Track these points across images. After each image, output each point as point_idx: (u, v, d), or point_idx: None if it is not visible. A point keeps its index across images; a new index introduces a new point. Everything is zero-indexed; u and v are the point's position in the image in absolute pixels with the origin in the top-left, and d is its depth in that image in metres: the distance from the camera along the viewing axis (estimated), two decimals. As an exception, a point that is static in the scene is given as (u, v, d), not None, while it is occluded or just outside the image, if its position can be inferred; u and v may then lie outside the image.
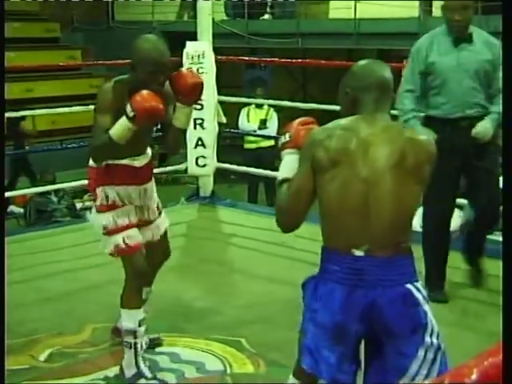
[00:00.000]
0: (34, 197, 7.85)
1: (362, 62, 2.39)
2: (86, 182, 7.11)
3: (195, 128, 5.70)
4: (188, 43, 5.75)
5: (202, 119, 5.72)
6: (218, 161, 6.06)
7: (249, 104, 8.68)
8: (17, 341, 3.51)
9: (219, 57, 5.90)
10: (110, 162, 3.15)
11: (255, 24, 12.44)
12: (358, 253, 2.18)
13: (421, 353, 2.15)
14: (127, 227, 3.18)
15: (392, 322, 2.16)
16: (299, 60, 8.44)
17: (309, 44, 11.75)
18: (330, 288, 2.20)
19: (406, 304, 2.16)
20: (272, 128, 8.75)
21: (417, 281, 2.22)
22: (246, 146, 9.06)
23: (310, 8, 12.40)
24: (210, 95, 5.64)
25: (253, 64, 9.92)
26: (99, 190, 3.20)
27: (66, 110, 7.16)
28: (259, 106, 8.79)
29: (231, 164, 6.53)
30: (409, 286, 2.18)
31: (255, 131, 8.68)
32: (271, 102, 7.72)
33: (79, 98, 12.14)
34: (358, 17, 11.01)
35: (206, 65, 5.67)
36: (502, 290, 1.90)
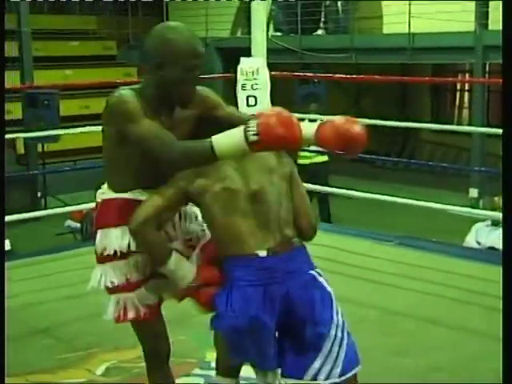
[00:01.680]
0: (91, 212, 7.95)
1: None
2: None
3: (250, 144, 5.71)
4: (242, 59, 5.78)
5: (257, 135, 5.73)
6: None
7: (302, 119, 8.66)
8: (74, 354, 3.56)
9: (273, 73, 5.91)
10: (126, 195, 2.40)
11: (308, 39, 12.46)
12: (262, 253, 2.29)
13: (332, 332, 2.31)
14: (142, 282, 2.44)
15: (306, 305, 2.30)
16: (354, 75, 8.41)
17: (363, 59, 11.71)
18: (244, 292, 2.28)
19: (314, 288, 2.33)
20: (326, 143, 8.71)
21: (315, 267, 2.38)
22: (300, 161, 9.05)
23: (364, 23, 12.37)
24: (264, 111, 5.67)
25: (307, 80, 9.93)
26: (107, 232, 2.42)
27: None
28: (312, 122, 8.77)
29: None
30: (311, 272, 2.35)
31: (308, 146, 8.65)
32: (324, 117, 7.69)
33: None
34: (412, 31, 10.95)
35: (260, 81, 5.69)
36: (503, 291, 2.00)
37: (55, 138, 9.12)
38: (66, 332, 3.89)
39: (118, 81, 12.05)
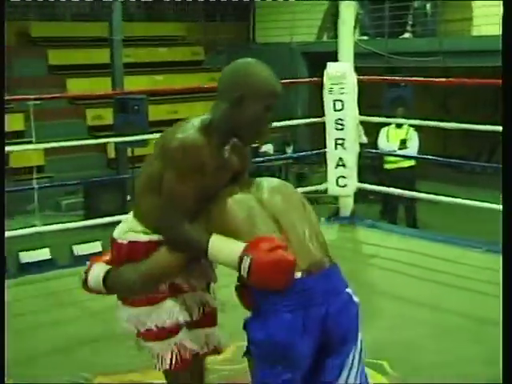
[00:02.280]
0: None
1: None
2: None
3: (336, 148, 5.72)
4: (329, 64, 5.79)
5: (343, 139, 5.72)
6: (358, 181, 6.04)
7: (388, 124, 8.61)
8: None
9: (361, 77, 5.89)
10: (141, 238, 2.34)
11: (395, 43, 12.32)
12: (297, 275, 2.19)
13: (358, 342, 2.31)
14: (179, 328, 2.38)
15: (345, 326, 2.26)
16: (443, 79, 8.29)
17: (451, 62, 11.51)
18: (282, 319, 2.19)
19: (352, 308, 2.29)
20: (412, 148, 8.62)
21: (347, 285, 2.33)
22: (386, 166, 8.98)
23: (451, 25, 12.15)
24: (351, 116, 5.66)
25: (395, 83, 9.83)
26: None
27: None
28: (399, 126, 8.69)
29: (371, 184, 6.49)
30: (347, 290, 2.30)
31: (395, 151, 8.58)
32: (411, 121, 7.62)
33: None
34: (503, 33, 10.67)
35: (347, 85, 5.68)
36: (502, 290, 1.98)
37: (144, 143, 9.31)
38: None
39: (206, 86, 12.34)
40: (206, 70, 14.23)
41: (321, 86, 5.79)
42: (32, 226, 5.58)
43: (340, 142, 5.73)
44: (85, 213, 9.79)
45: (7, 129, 11.35)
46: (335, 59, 5.90)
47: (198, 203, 2.26)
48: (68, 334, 4.02)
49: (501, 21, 2.32)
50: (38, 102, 7.31)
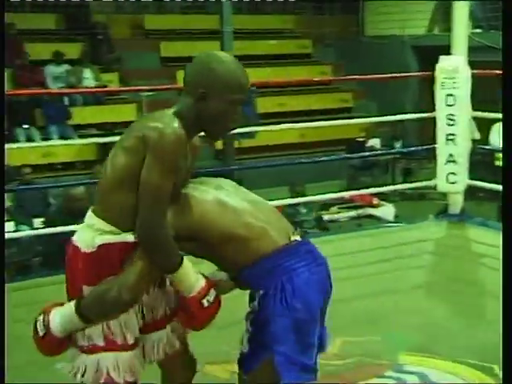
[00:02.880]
0: (285, 208, 8.12)
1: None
2: (332, 195, 7.30)
3: (447, 144, 5.59)
4: (442, 58, 5.66)
5: (454, 135, 5.59)
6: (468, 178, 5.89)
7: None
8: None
9: (474, 71, 5.73)
10: (113, 239, 2.18)
11: (511, 36, 11.93)
12: (295, 237, 2.28)
13: None
14: (119, 347, 2.23)
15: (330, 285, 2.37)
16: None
17: None
18: (304, 279, 2.24)
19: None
20: (527, 144, 8.33)
21: None
22: (498, 162, 8.72)
23: None
24: (464, 111, 5.53)
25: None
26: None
27: (314, 124, 7.33)
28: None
29: (481, 181, 6.32)
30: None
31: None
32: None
33: (327, 112, 12.44)
34: None
35: (460, 79, 5.54)
36: (502, 289, 1.97)
37: (252, 135, 9.40)
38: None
39: (315, 79, 12.33)
40: (314, 63, 14.20)
41: (432, 80, 5.67)
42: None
43: (451, 137, 5.60)
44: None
45: (120, 119, 11.71)
46: (447, 53, 5.77)
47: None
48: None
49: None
50: (151, 93, 7.47)
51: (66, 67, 11.42)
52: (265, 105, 11.50)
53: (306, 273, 2.24)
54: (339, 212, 9.27)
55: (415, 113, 7.32)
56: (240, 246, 2.25)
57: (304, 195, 7.98)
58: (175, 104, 2.24)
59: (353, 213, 9.38)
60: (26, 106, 10.53)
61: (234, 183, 2.41)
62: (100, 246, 2.17)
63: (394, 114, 6.65)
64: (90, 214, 2.23)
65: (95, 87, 11.27)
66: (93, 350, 2.21)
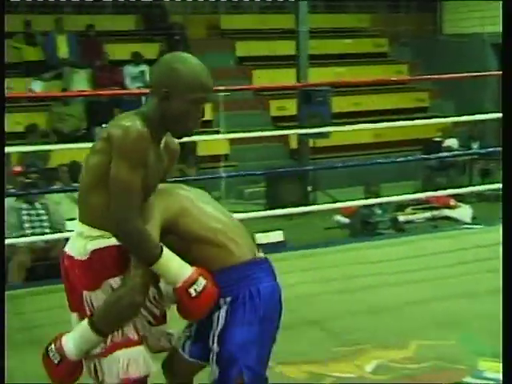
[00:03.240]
0: (360, 208, 8.07)
1: None
2: (409, 196, 7.21)
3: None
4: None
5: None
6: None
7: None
8: (343, 349, 3.64)
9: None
10: (104, 243, 2.25)
11: None
12: (260, 255, 2.39)
13: None
14: (133, 342, 2.29)
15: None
16: None
17: None
18: (270, 293, 2.33)
19: None
20: None
21: None
22: None
23: None
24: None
25: None
26: (95, 294, 2.26)
27: (390, 124, 7.26)
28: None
29: None
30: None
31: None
32: None
33: (403, 111, 12.30)
34: None
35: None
36: (502, 289, 1.99)
37: (327, 135, 9.36)
38: (336, 325, 3.99)
39: (392, 78, 12.21)
40: (390, 63, 14.05)
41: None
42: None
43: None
44: (266, 202, 9.99)
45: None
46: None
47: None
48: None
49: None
50: (227, 93, 7.53)
51: (144, 67, 11.61)
52: (340, 104, 11.44)
53: (270, 287, 2.34)
54: (414, 213, 9.15)
55: (494, 112, 7.16)
56: (212, 250, 2.30)
57: (379, 196, 7.90)
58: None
59: (428, 214, 9.24)
60: (106, 106, 10.75)
61: (210, 196, 2.48)
62: (93, 252, 2.24)
63: (472, 114, 6.53)
64: (77, 222, 2.30)
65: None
66: (110, 350, 2.26)
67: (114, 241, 2.22)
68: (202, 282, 2.23)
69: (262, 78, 12.34)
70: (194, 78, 2.22)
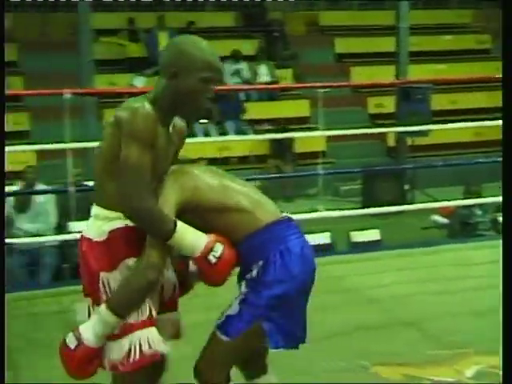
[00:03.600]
0: (459, 208, 7.90)
1: None
2: None
3: None
4: None
5: None
6: None
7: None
8: (443, 352, 3.57)
9: None
10: (121, 224, 2.28)
11: None
12: (283, 215, 2.41)
13: None
14: (151, 322, 2.30)
15: None
16: None
17: None
18: (300, 250, 2.33)
19: None
20: None
21: None
22: None
23: None
24: None
25: None
26: (112, 275, 2.28)
27: (491, 123, 7.05)
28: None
29: None
30: None
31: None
32: None
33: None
34: None
35: None
36: (502, 291, 2.03)
37: (426, 133, 9.21)
38: (433, 327, 3.92)
39: (494, 76, 11.87)
40: (493, 59, 13.68)
41: None
42: (315, 211, 5.74)
43: None
44: (363, 200, 9.91)
45: (293, 114, 11.87)
46: None
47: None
48: (345, 320, 4.07)
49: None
50: (326, 90, 7.49)
51: (242, 64, 11.70)
52: (440, 102, 11.22)
53: (299, 244, 2.35)
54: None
55: None
56: (235, 217, 2.33)
57: (480, 196, 7.71)
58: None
59: (531, 215, 8.95)
60: (204, 102, 10.91)
61: (225, 172, 2.51)
62: (110, 233, 2.27)
63: None
64: (94, 206, 2.33)
65: (270, 83, 11.47)
66: (124, 332, 2.25)
67: (130, 222, 2.25)
68: (219, 247, 2.26)
69: (361, 74, 12.24)
70: (202, 58, 2.24)
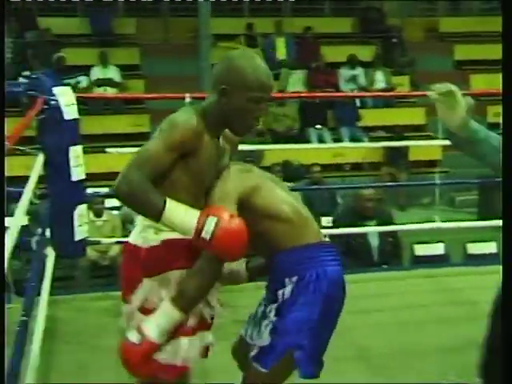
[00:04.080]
0: None
1: None
2: None
3: None
4: None
5: None
6: None
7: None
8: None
9: None
10: (174, 236, 2.23)
11: None
12: (326, 239, 2.41)
13: None
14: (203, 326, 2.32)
15: None
16: None
17: None
18: (335, 274, 2.32)
19: None
20: None
21: None
22: None
23: None
24: None
25: None
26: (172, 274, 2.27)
27: None
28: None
29: None
30: None
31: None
32: None
33: None
34: None
35: None
36: (502, 292, 2.05)
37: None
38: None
39: None
40: None
41: None
42: (431, 221, 5.64)
43: None
44: (478, 211, 9.68)
45: (409, 122, 11.70)
46: None
47: (194, 189, 2.24)
48: (458, 334, 3.99)
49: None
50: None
51: (359, 70, 11.65)
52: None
53: (337, 271, 2.34)
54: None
55: None
56: (283, 227, 2.32)
57: None
58: None
59: None
60: (319, 108, 10.91)
61: (278, 179, 2.51)
62: (162, 241, 2.25)
63: None
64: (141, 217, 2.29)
65: (386, 90, 11.36)
66: (190, 332, 2.27)
67: (180, 234, 2.20)
68: (211, 221, 2.11)
69: (480, 82, 11.94)
70: (254, 77, 2.20)
